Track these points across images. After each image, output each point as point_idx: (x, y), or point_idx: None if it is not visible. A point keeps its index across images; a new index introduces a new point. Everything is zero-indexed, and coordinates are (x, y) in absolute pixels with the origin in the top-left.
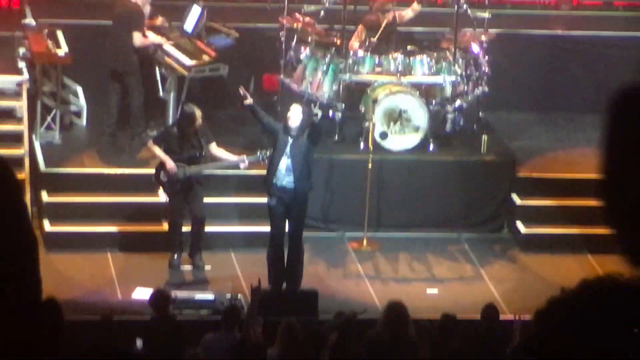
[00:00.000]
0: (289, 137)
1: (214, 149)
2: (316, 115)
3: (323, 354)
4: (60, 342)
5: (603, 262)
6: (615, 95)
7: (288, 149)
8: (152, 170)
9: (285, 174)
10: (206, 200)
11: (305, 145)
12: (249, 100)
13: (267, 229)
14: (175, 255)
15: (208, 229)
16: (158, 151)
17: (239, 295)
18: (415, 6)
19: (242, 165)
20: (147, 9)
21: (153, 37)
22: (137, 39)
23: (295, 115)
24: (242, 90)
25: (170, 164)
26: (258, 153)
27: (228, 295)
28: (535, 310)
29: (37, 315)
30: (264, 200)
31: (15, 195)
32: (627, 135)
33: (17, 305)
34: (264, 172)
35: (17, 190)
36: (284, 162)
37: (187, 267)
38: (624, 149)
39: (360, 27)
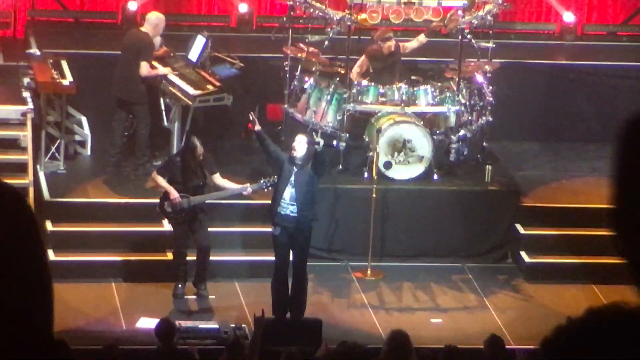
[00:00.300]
0: (294, 167)
1: (218, 179)
2: (318, 143)
3: None
4: None
5: (607, 292)
6: (625, 123)
7: (292, 178)
8: (156, 200)
9: (289, 203)
10: (210, 229)
11: (309, 175)
12: (258, 127)
13: (271, 258)
14: (180, 285)
15: (212, 258)
16: (162, 182)
17: (243, 324)
18: (421, 37)
19: (245, 193)
20: (157, 40)
21: (161, 68)
22: (145, 68)
23: (299, 146)
24: (252, 116)
25: (174, 194)
26: (262, 180)
27: (232, 325)
28: (541, 339)
29: (46, 356)
30: (268, 229)
31: (31, 229)
32: (637, 162)
33: (28, 343)
34: (268, 201)
35: (33, 224)
36: (288, 192)
37: (191, 297)
38: (635, 177)
39: (363, 57)
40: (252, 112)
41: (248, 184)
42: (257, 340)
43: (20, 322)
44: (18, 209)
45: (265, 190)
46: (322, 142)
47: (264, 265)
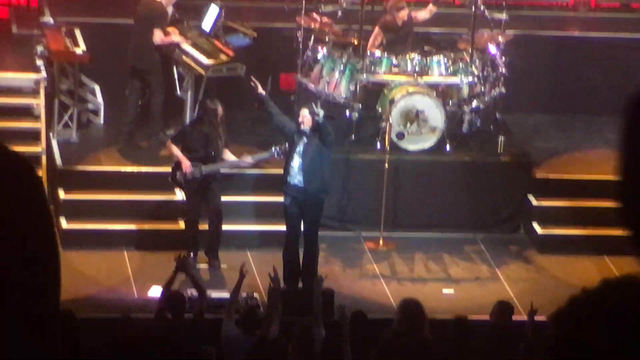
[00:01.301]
0: (303, 137)
1: (227, 153)
2: (317, 115)
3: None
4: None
5: (619, 264)
6: (633, 97)
7: (300, 148)
8: (169, 169)
9: (297, 172)
10: (223, 199)
11: (317, 147)
12: (262, 91)
13: (283, 228)
14: (192, 254)
15: (224, 228)
16: (176, 150)
17: (255, 293)
18: (432, 7)
19: (254, 162)
20: (170, 9)
21: (174, 36)
22: (158, 36)
23: (305, 119)
24: (254, 81)
25: (186, 163)
26: (272, 148)
27: (244, 294)
28: (555, 310)
29: (53, 328)
30: (280, 199)
31: (38, 198)
32: None
33: (34, 316)
34: (280, 171)
35: (39, 192)
36: (297, 161)
37: (203, 266)
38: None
39: (377, 29)
40: (252, 77)
41: (258, 154)
42: (273, 312)
43: (26, 292)
44: (26, 178)
45: (278, 157)
46: (321, 112)
47: (275, 235)
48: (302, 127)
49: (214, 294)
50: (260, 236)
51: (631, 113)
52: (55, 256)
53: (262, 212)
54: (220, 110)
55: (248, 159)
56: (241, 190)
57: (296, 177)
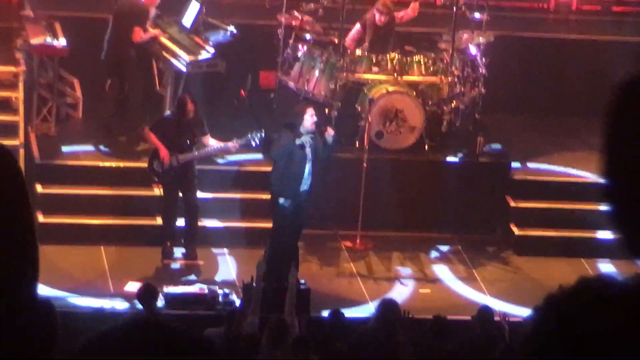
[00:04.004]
0: (308, 141)
1: (208, 139)
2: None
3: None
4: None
5: (596, 266)
6: (617, 88)
7: (309, 154)
8: (146, 164)
9: (307, 177)
10: (202, 195)
11: (319, 147)
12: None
13: (261, 225)
14: (168, 243)
15: (203, 224)
16: (153, 138)
17: (231, 291)
18: (414, 4)
19: (231, 147)
20: (152, 11)
21: (151, 30)
22: (137, 33)
23: (313, 118)
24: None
25: (163, 151)
26: (249, 135)
27: (220, 291)
28: (533, 308)
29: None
30: (259, 196)
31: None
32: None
33: (11, 305)
34: (261, 169)
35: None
36: (307, 167)
37: (180, 262)
38: (629, 146)
39: (358, 26)
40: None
41: (234, 139)
42: (246, 308)
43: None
44: (7, 168)
45: (254, 144)
46: (332, 133)
47: (253, 232)
48: (307, 125)
49: (190, 290)
50: (238, 233)
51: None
52: (32, 245)
53: (240, 209)
54: (190, 104)
55: (235, 143)
56: (221, 187)
57: (307, 182)
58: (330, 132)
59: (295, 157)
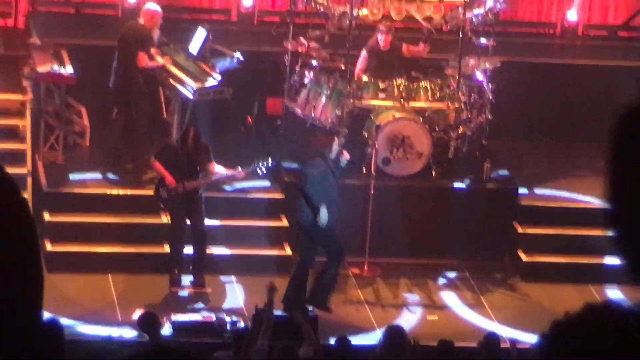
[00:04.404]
0: (336, 167)
1: (213, 167)
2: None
3: None
4: None
5: (603, 292)
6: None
7: (337, 173)
8: (153, 192)
9: (337, 201)
10: (210, 222)
11: (336, 172)
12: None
13: (268, 253)
14: (176, 270)
15: (209, 251)
16: (159, 166)
17: (239, 318)
18: (424, 46)
19: (237, 175)
20: (155, 33)
21: (159, 59)
22: (143, 59)
23: (339, 147)
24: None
25: (169, 178)
26: (255, 163)
27: (228, 319)
28: (539, 334)
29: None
30: (267, 224)
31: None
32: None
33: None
34: (269, 195)
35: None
36: (336, 192)
37: (187, 290)
38: (632, 173)
39: (363, 52)
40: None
41: (239, 167)
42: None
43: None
44: (11, 199)
45: (260, 173)
46: (348, 157)
47: (262, 260)
48: (333, 152)
49: (198, 317)
50: (245, 260)
51: (620, 130)
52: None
53: (247, 237)
54: (193, 135)
55: (238, 170)
56: (228, 214)
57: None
58: (346, 156)
59: (328, 183)
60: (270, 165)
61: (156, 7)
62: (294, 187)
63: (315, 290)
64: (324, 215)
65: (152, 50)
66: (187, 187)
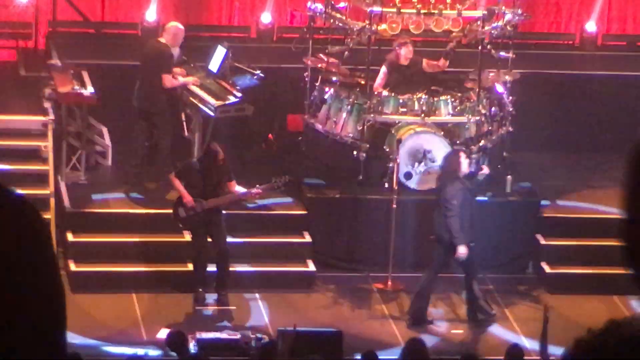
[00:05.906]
0: (469, 181)
1: (234, 186)
2: None
3: None
4: None
5: (628, 303)
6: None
7: (474, 190)
8: None
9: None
10: (233, 240)
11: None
12: None
13: (291, 269)
14: (200, 289)
15: (232, 269)
16: (178, 184)
17: (264, 336)
18: (444, 62)
19: (255, 193)
20: (175, 51)
21: (181, 78)
22: (168, 80)
23: (467, 160)
24: None
25: (187, 197)
26: (273, 180)
27: (253, 336)
28: (562, 353)
29: None
30: (290, 240)
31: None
32: None
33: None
34: (292, 212)
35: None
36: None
37: (212, 308)
38: None
39: (383, 67)
40: None
41: (257, 185)
42: (283, 353)
43: (31, 336)
44: (30, 221)
45: (277, 189)
46: (488, 171)
47: (286, 277)
48: (465, 170)
49: (223, 335)
50: (268, 277)
51: (635, 157)
52: (60, 299)
53: (272, 253)
54: (221, 153)
55: (256, 189)
56: (251, 230)
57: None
58: (485, 171)
59: (467, 203)
60: (287, 181)
61: (179, 26)
62: (441, 205)
63: (473, 307)
64: (462, 251)
65: (178, 70)
66: (207, 205)
